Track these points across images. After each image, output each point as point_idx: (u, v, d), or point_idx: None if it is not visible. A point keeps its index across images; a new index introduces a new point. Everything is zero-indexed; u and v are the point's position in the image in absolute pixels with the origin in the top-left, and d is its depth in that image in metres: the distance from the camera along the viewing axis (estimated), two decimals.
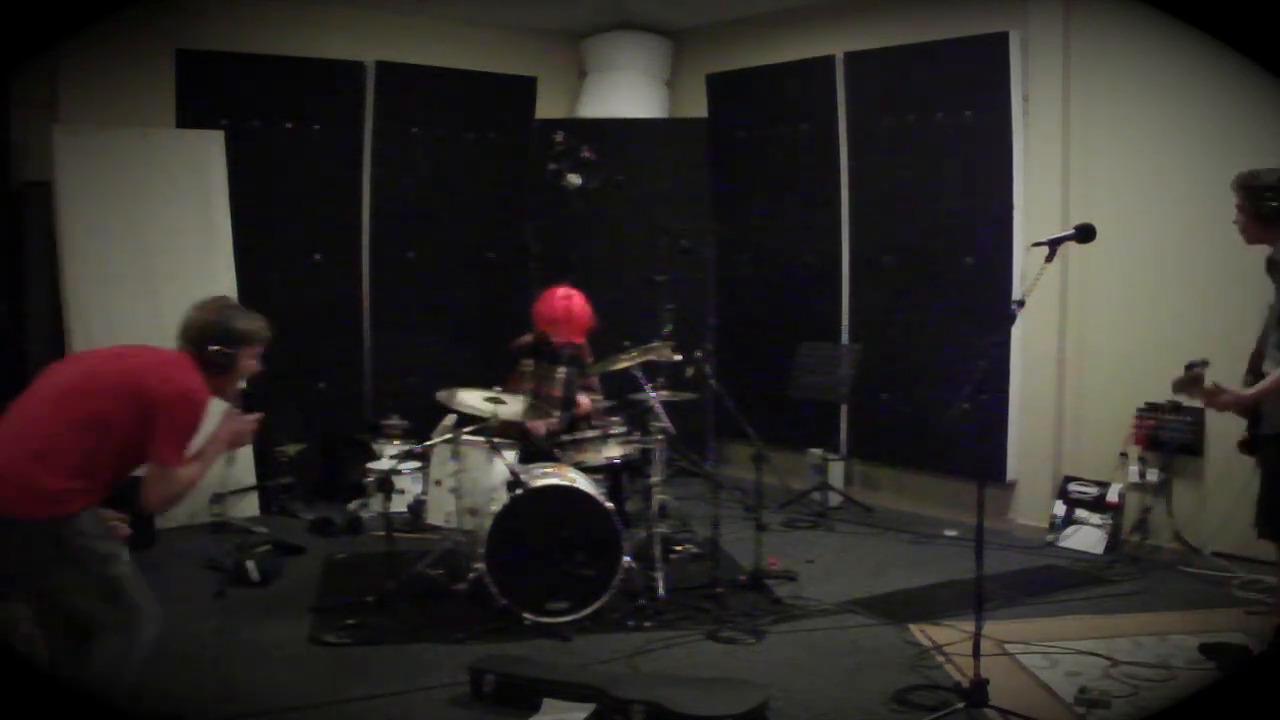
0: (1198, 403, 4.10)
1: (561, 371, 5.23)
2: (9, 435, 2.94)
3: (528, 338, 5.43)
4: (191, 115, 6.48)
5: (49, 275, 6.08)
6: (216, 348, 3.11)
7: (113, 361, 3.11)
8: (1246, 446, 3.96)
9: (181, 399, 2.99)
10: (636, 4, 7.52)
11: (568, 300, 5.36)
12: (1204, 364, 3.80)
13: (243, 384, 3.25)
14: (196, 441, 3.09)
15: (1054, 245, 3.67)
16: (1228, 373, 5.23)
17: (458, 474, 4.76)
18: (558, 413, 5.23)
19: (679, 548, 5.47)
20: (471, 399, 4.82)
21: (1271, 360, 3.76)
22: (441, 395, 4.87)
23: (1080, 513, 5.77)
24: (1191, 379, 3.80)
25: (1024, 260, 5.99)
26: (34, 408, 2.99)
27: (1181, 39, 5.32)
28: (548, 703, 3.65)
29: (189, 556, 5.49)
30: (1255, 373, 3.83)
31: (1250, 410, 3.83)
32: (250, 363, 3.22)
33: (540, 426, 5.14)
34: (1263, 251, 3.87)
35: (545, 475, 4.64)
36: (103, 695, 2.91)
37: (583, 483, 4.65)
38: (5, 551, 2.90)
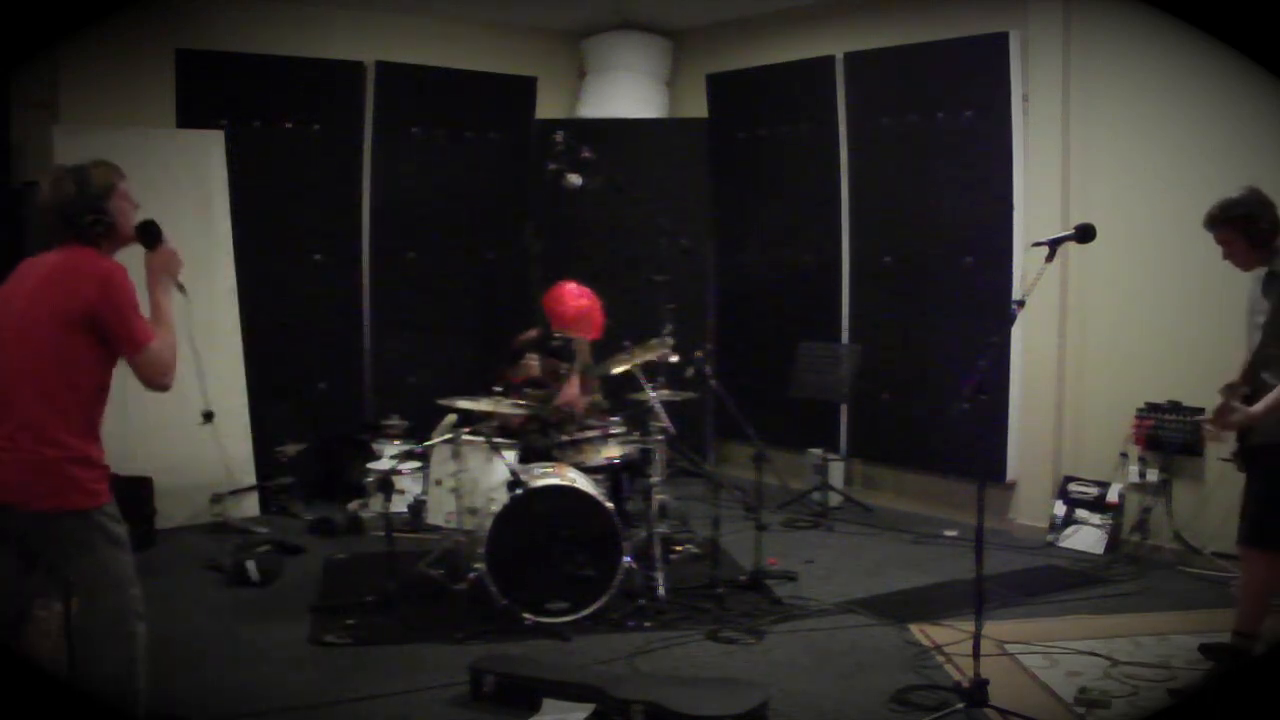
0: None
1: (565, 366, 5.23)
2: (23, 419, 2.80)
3: (533, 333, 5.42)
4: (191, 115, 6.48)
5: None
6: (89, 218, 2.92)
7: (27, 300, 2.89)
8: (1240, 459, 3.86)
9: (105, 291, 2.85)
10: (636, 4, 7.52)
11: (585, 298, 5.34)
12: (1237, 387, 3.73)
13: (136, 219, 3.05)
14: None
15: (1054, 245, 3.66)
16: (1222, 370, 5.28)
17: (458, 474, 4.76)
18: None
19: (679, 548, 5.46)
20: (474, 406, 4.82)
21: (1273, 372, 3.68)
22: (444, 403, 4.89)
23: (1080, 513, 5.77)
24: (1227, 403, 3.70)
25: (1024, 260, 5.99)
26: (10, 382, 2.83)
27: (1181, 39, 5.32)
28: (548, 703, 3.66)
29: (189, 557, 5.49)
30: (1250, 383, 3.74)
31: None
32: (125, 204, 3.02)
33: (578, 401, 5.18)
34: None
35: (545, 475, 4.63)
36: (114, 694, 2.86)
37: (583, 483, 4.65)
38: (46, 545, 2.84)
